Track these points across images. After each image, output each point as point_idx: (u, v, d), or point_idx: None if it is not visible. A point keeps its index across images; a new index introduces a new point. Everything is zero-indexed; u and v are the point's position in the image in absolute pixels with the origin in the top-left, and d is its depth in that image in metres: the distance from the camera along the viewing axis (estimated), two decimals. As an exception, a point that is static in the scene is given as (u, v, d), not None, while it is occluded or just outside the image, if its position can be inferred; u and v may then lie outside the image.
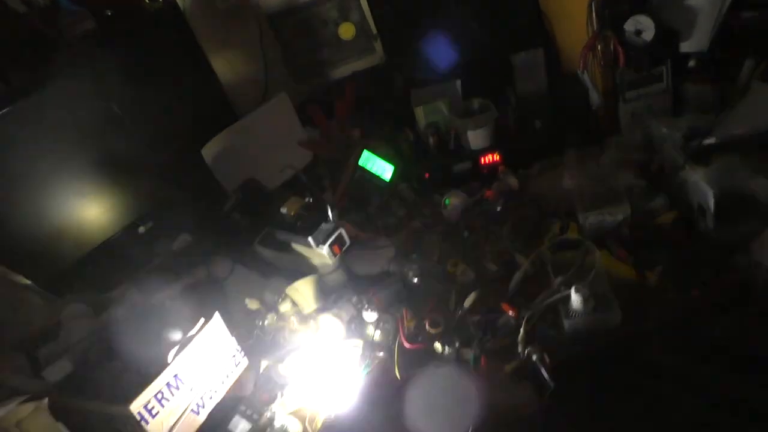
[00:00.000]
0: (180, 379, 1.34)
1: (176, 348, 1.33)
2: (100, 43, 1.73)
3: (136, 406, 1.22)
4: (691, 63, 1.78)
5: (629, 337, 1.33)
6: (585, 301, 1.32)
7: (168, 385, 1.30)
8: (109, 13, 1.81)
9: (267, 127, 2.00)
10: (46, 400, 1.17)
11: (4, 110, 1.51)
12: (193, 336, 1.36)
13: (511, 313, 1.42)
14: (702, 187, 1.43)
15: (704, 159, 1.52)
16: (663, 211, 1.56)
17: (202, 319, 1.39)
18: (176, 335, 1.35)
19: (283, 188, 1.97)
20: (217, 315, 1.41)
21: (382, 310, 1.55)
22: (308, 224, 1.58)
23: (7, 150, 1.53)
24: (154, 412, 1.27)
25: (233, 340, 1.47)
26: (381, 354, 1.46)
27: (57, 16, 1.73)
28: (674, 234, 1.51)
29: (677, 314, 1.34)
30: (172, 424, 1.31)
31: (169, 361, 1.30)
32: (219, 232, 1.92)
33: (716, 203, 1.39)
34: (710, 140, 1.53)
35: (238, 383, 1.49)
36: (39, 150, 1.58)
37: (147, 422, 1.25)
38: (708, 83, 1.76)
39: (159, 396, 1.28)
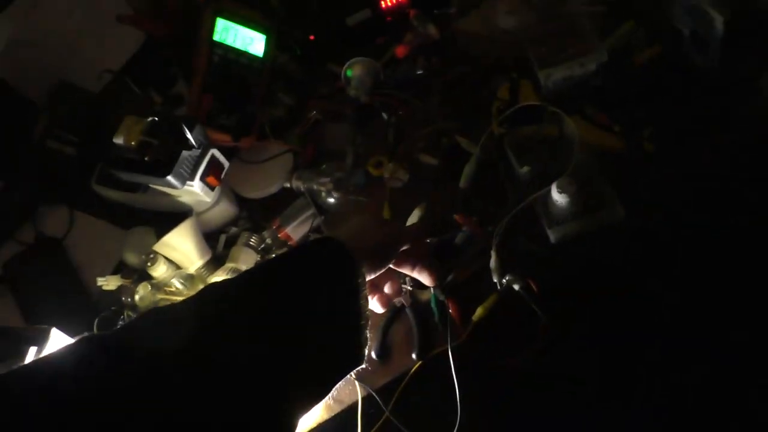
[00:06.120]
0: None
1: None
2: None
3: None
4: None
5: (635, 237, 1.00)
6: (572, 200, 0.96)
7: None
8: None
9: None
10: None
11: None
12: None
13: (466, 228, 1.03)
14: (703, 4, 1.03)
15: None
16: (639, 48, 1.17)
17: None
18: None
19: (115, 91, 1.38)
20: (53, 332, 0.92)
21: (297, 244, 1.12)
22: (162, 155, 1.02)
23: None
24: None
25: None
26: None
27: None
28: (660, 77, 1.13)
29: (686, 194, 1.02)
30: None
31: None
32: (39, 169, 1.35)
33: (726, 27, 1.00)
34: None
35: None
36: None
37: None
38: None
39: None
